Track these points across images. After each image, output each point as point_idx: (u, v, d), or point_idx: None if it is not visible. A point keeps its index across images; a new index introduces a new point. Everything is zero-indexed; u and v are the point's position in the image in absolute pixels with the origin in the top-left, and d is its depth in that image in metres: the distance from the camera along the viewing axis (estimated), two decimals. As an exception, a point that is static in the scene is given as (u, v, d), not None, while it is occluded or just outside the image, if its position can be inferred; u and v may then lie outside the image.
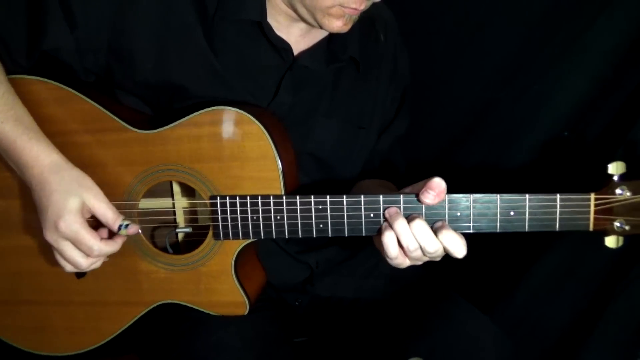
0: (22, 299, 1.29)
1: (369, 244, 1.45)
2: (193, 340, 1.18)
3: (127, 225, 1.15)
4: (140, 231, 1.20)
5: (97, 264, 1.16)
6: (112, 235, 1.17)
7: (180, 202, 1.27)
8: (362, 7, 1.15)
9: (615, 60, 1.54)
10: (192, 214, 1.27)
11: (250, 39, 1.22)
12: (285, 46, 1.23)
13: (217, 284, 1.21)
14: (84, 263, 1.13)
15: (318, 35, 1.28)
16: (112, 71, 1.22)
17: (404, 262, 1.08)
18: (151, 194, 1.23)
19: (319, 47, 1.28)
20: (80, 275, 1.23)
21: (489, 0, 1.65)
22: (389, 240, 1.05)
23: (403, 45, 1.43)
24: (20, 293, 1.29)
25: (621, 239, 1.07)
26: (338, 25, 1.16)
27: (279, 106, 1.26)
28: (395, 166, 1.45)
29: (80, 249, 1.12)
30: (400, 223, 1.05)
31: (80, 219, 1.11)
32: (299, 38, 1.26)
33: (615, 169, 1.04)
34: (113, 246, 1.16)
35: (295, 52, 1.26)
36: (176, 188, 1.26)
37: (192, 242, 1.25)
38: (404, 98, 1.44)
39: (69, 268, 1.15)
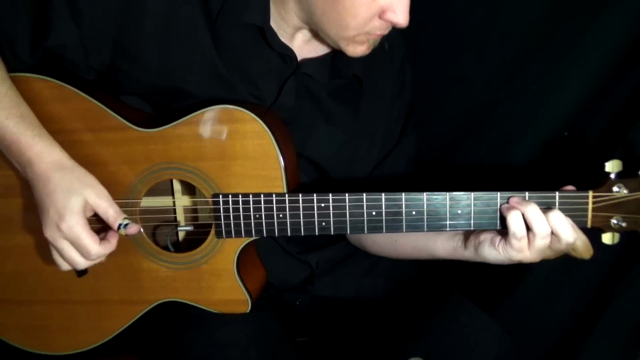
0: (22, 298, 1.34)
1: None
2: (196, 338, 1.23)
3: (126, 225, 1.19)
4: (142, 230, 1.26)
5: (95, 262, 1.20)
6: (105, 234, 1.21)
7: (181, 201, 1.32)
8: (386, 32, 1.20)
9: (615, 60, 1.57)
10: (192, 212, 1.33)
11: (254, 43, 1.26)
12: (289, 52, 1.27)
13: (219, 282, 1.26)
14: (82, 263, 1.18)
15: (321, 44, 1.32)
16: (116, 69, 1.26)
17: (524, 248, 1.13)
18: (152, 192, 1.28)
19: (323, 61, 1.32)
20: (81, 273, 1.27)
21: (489, 0, 1.70)
22: (516, 217, 1.11)
23: (408, 60, 1.48)
24: (20, 292, 1.34)
25: (617, 235, 1.14)
26: (362, 50, 1.21)
27: (280, 109, 1.30)
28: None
29: (79, 251, 1.16)
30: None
31: (82, 220, 1.15)
32: (302, 44, 1.31)
33: (612, 167, 1.11)
34: (109, 247, 1.19)
35: (299, 57, 1.30)
36: (176, 186, 1.32)
37: (192, 240, 1.31)
38: (409, 114, 1.49)
39: (65, 267, 1.20)
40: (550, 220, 1.10)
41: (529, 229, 1.11)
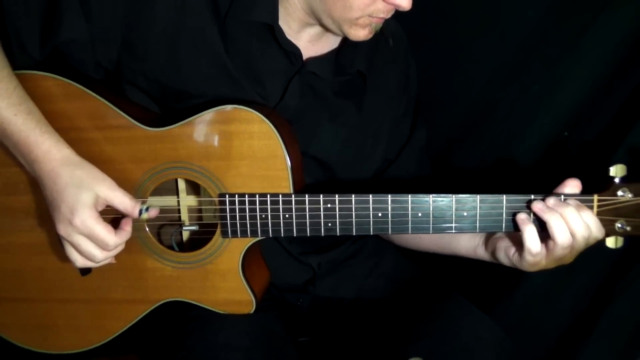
0: (25, 297, 1.35)
1: (370, 244, 1.54)
2: (200, 339, 1.25)
3: (147, 209, 1.22)
4: (147, 228, 1.28)
5: (110, 258, 1.23)
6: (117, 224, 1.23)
7: (186, 200, 1.34)
8: (389, 16, 1.23)
9: (616, 60, 1.60)
10: (197, 212, 1.34)
11: (261, 41, 1.28)
12: (295, 50, 1.29)
13: (224, 282, 1.28)
14: (100, 255, 1.19)
15: (327, 44, 1.35)
16: (123, 66, 1.28)
17: (540, 261, 1.16)
18: (157, 192, 1.30)
19: (328, 59, 1.35)
20: (85, 272, 1.29)
21: (489, 0, 1.72)
22: (531, 233, 1.14)
23: (412, 55, 1.51)
24: (24, 290, 1.35)
25: (620, 239, 1.17)
26: (364, 34, 1.24)
27: (285, 109, 1.32)
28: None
29: (96, 243, 1.18)
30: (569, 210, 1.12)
31: (94, 214, 1.17)
32: (307, 44, 1.33)
33: (616, 171, 1.14)
34: (125, 235, 1.21)
35: (304, 57, 1.32)
36: (181, 186, 1.33)
37: (196, 240, 1.33)
38: (418, 108, 1.52)
39: (80, 262, 1.21)
40: (583, 220, 1.13)
41: (547, 237, 1.13)
